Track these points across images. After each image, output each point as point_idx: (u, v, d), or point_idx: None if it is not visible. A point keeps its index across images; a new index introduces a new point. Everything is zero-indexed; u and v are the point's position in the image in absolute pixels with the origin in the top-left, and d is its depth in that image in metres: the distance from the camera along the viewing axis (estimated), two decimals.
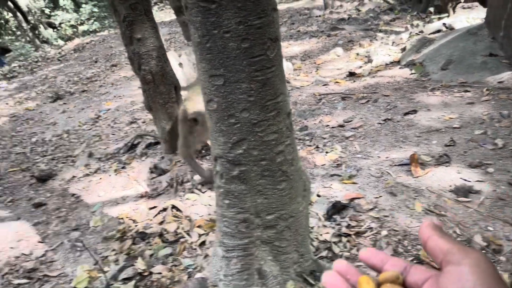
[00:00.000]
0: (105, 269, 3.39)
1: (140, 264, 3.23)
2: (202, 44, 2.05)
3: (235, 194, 2.33)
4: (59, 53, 18.20)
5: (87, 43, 18.50)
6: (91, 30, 25.69)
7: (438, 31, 7.15)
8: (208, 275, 2.76)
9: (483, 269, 0.60)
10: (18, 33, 27.44)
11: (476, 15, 7.70)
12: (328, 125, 5.01)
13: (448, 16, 8.67)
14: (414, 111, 4.85)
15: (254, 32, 1.99)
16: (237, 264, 2.37)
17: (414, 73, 6.01)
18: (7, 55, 21.62)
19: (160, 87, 4.42)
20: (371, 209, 3.44)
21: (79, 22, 27.45)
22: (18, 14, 23.25)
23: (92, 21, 27.01)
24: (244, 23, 1.96)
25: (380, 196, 3.58)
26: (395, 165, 3.97)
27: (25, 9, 24.04)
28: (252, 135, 2.21)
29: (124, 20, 4.04)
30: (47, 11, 27.03)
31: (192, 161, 4.03)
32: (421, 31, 7.60)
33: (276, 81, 2.16)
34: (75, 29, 27.18)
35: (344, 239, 3.16)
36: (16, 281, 3.45)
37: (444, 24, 7.34)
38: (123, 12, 4.01)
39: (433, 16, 9.32)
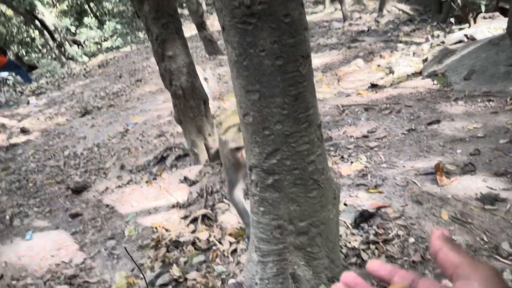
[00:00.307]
0: (141, 275, 3.57)
1: (175, 271, 3.38)
2: (239, 63, 2.21)
3: (270, 202, 2.47)
4: (84, 69, 18.82)
5: (110, 59, 19.09)
6: (114, 46, 26.37)
7: (460, 41, 7.21)
8: (242, 280, 2.89)
9: (493, 284, 0.61)
10: (44, 50, 28.39)
11: (497, 25, 7.73)
12: (352, 136, 5.11)
13: (469, 27, 8.70)
14: (438, 121, 4.92)
15: (287, 50, 2.14)
16: (273, 268, 2.50)
17: (437, 84, 6.08)
18: (33, 72, 22.43)
19: (190, 102, 4.62)
20: (398, 217, 3.52)
21: (102, 39, 28.22)
22: (45, 32, 24.10)
23: (115, 37, 27.76)
24: (278, 42, 2.11)
25: (406, 205, 3.66)
26: (420, 174, 4.04)
27: (51, 27, 24.88)
28: (285, 146, 2.34)
29: (157, 39, 4.27)
30: (72, 29, 27.93)
31: (238, 205, 3.40)
32: (442, 42, 7.66)
33: (308, 95, 2.30)
34: (99, 46, 27.96)
35: (372, 246, 3.24)
36: (58, 287, 3.66)
37: (465, 35, 7.39)
38: (156, 31, 4.24)
39: (453, 27, 9.36)
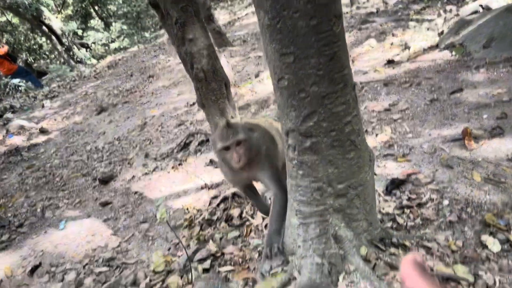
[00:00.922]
0: (179, 253, 3.63)
1: (212, 246, 3.43)
2: (272, 26, 2.24)
3: (308, 165, 2.50)
4: (94, 71, 18.97)
5: (119, 60, 19.21)
6: (121, 47, 26.55)
7: (475, 12, 7.13)
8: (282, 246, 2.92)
9: None
10: (53, 56, 28.66)
11: None
12: (374, 110, 5.11)
13: None
14: (460, 90, 4.89)
15: (321, 10, 2.15)
16: (316, 229, 2.53)
17: (455, 54, 6.03)
18: (43, 78, 22.69)
19: (211, 84, 4.64)
20: (430, 182, 3.52)
21: (110, 40, 28.43)
22: (53, 37, 24.32)
23: (122, 38, 27.93)
24: (312, 2, 2.12)
25: (437, 170, 3.66)
26: (448, 141, 4.04)
27: (58, 32, 25.09)
28: (321, 107, 2.37)
29: (176, 22, 4.29)
30: (79, 32, 28.14)
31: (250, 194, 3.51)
32: (457, 14, 7.58)
33: (342, 55, 2.31)
34: (106, 47, 28.17)
35: (406, 211, 3.26)
36: (97, 269, 3.73)
37: (480, 5, 7.30)
38: (175, 15, 4.26)
39: None
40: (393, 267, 2.62)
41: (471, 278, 2.46)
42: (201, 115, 7.15)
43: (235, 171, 2.87)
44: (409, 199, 3.41)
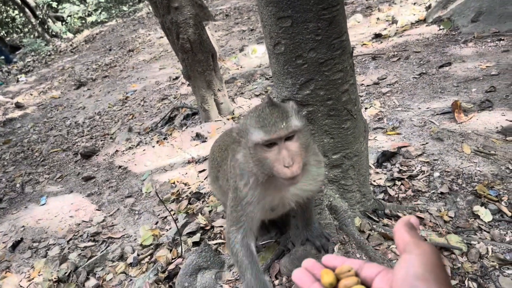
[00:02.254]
0: (167, 227, 3.56)
1: (201, 220, 3.37)
2: None
3: None
4: (71, 45, 18.37)
5: (97, 34, 18.62)
6: (99, 20, 25.70)
7: None
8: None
9: (428, 258, 0.76)
10: (26, 30, 27.55)
11: None
12: (362, 84, 5.06)
13: None
14: (449, 64, 4.87)
15: None
16: None
17: (443, 28, 6.00)
18: (17, 52, 21.85)
19: (198, 55, 4.50)
20: (420, 155, 3.51)
21: (86, 14, 27.47)
22: (27, 10, 23.33)
23: (99, 11, 27.02)
24: None
25: (427, 143, 3.65)
26: (437, 114, 4.02)
27: (32, 4, 24.07)
28: (319, 75, 2.28)
29: None
30: (54, 4, 27.06)
31: None
32: None
33: (341, 20, 2.22)
34: (83, 21, 27.22)
35: (398, 183, 3.25)
36: (82, 244, 3.64)
37: None
38: None
39: None
40: (387, 238, 2.61)
41: (464, 247, 2.46)
42: (185, 89, 6.99)
43: (282, 185, 1.79)
44: (400, 171, 3.39)
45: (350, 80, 2.41)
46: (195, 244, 3.10)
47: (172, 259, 3.01)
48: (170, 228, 3.46)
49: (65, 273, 3.23)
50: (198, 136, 4.81)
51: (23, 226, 4.17)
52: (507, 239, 2.55)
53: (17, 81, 13.61)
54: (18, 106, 9.60)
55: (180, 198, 3.85)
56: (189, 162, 4.43)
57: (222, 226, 3.26)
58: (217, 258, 2.70)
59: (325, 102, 2.38)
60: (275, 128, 1.60)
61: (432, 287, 0.73)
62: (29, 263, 3.60)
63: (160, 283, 2.76)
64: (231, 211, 2.02)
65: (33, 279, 3.32)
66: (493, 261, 2.38)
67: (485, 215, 2.75)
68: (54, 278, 3.19)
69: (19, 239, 3.96)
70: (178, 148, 4.76)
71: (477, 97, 4.09)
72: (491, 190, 2.95)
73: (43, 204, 4.52)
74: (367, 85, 5.00)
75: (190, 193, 3.86)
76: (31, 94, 10.88)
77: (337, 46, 2.24)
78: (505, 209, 2.77)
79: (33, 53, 19.43)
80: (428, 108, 4.17)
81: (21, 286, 3.26)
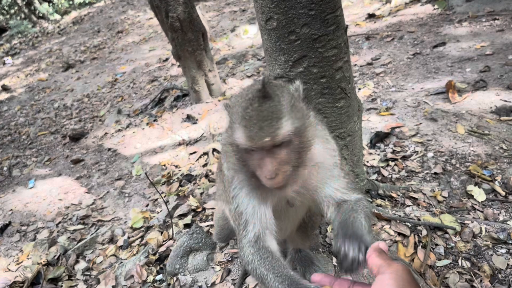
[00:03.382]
0: (157, 210, 3.50)
1: (192, 202, 3.31)
2: None
3: None
4: (58, 27, 17.97)
5: (85, 15, 18.21)
6: (87, 1, 25.12)
7: None
8: None
9: (399, 275, 0.84)
10: (12, 11, 26.88)
11: None
12: (356, 65, 4.99)
13: None
14: (443, 44, 4.81)
15: None
16: None
17: (437, 8, 5.92)
18: (3, 34, 21.33)
19: (188, 34, 4.39)
20: (414, 135, 3.48)
21: None
22: None
23: None
24: None
25: (420, 123, 3.61)
26: (431, 94, 3.98)
27: None
28: (312, 51, 2.21)
29: None
30: None
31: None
32: None
33: None
34: (70, 2, 26.61)
35: (391, 163, 3.21)
36: (72, 227, 3.57)
37: None
38: None
39: None
40: (381, 218, 2.58)
41: (457, 227, 2.45)
42: (175, 70, 6.86)
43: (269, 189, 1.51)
44: (393, 152, 3.36)
45: (344, 57, 2.35)
46: (186, 226, 3.05)
47: (163, 241, 2.97)
48: (161, 211, 3.41)
49: (54, 256, 3.18)
50: (188, 117, 4.73)
51: (11, 210, 4.10)
52: (501, 218, 2.53)
53: (4, 63, 13.33)
54: (5, 89, 9.39)
55: (171, 181, 3.79)
56: (179, 144, 4.36)
57: (213, 208, 3.22)
58: (208, 239, 2.66)
59: (318, 80, 2.32)
60: (259, 135, 1.30)
61: None
62: (18, 246, 3.54)
63: (151, 265, 2.72)
64: (233, 222, 1.74)
65: (21, 262, 3.26)
66: (486, 240, 2.37)
67: (479, 194, 2.73)
68: (43, 262, 3.14)
69: (7, 222, 3.89)
70: (168, 130, 4.68)
71: (471, 77, 4.05)
72: (484, 170, 2.93)
73: (31, 187, 4.44)
74: (361, 66, 4.93)
75: (181, 175, 3.80)
76: (18, 77, 10.66)
77: (331, 21, 2.17)
78: (498, 189, 2.76)
79: (19, 35, 19.01)
80: (422, 88, 4.12)
81: (9, 270, 3.20)
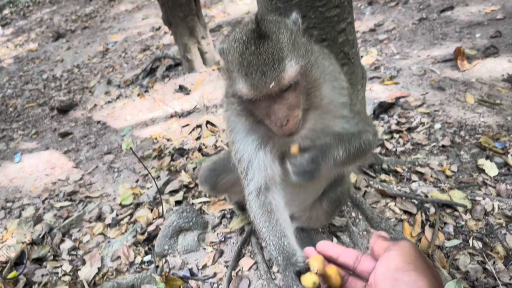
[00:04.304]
0: (148, 185, 3.32)
1: (184, 177, 3.12)
2: None
3: None
4: None
5: None
6: None
7: None
8: None
9: (407, 251, 0.82)
10: None
11: None
12: (358, 31, 4.71)
13: None
14: (451, 8, 4.53)
15: None
16: None
17: None
18: None
19: None
20: (420, 105, 3.27)
21: None
22: None
23: None
24: None
25: (427, 93, 3.39)
26: (438, 62, 3.75)
27: None
28: (312, 11, 1.98)
29: None
30: None
31: None
32: None
33: None
34: None
35: (396, 135, 3.01)
36: (58, 204, 3.39)
37: None
38: None
39: None
40: (385, 195, 2.40)
41: (468, 204, 2.27)
42: (168, 39, 6.55)
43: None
44: (398, 123, 3.15)
45: (347, 18, 2.11)
46: (178, 203, 2.87)
47: (153, 219, 2.79)
48: (151, 187, 3.22)
49: (39, 235, 3.01)
50: (181, 88, 4.49)
51: None
52: None
53: None
54: None
55: (162, 155, 3.60)
56: (172, 116, 4.14)
57: None
58: (200, 218, 2.49)
59: (319, 44, 2.08)
60: (263, 82, 1.16)
61: (413, 276, 0.77)
62: (2, 224, 3.37)
63: (139, 245, 2.55)
64: (240, 173, 1.58)
65: (5, 241, 3.10)
66: (499, 218, 2.19)
67: (491, 169, 2.54)
68: (28, 240, 2.97)
69: None
70: (160, 102, 4.45)
71: (481, 43, 3.80)
72: (496, 142, 2.73)
73: (17, 162, 4.24)
74: (363, 32, 4.66)
75: (173, 149, 3.60)
76: (7, 47, 10.29)
77: None
78: None
79: (11, 5, 18.42)
80: (428, 55, 3.88)
81: None
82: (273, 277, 2.01)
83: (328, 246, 1.01)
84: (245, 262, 2.14)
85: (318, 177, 1.40)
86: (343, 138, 1.45)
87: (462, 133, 2.88)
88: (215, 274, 2.14)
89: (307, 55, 1.25)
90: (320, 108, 1.38)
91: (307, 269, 1.02)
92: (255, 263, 2.12)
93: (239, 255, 2.21)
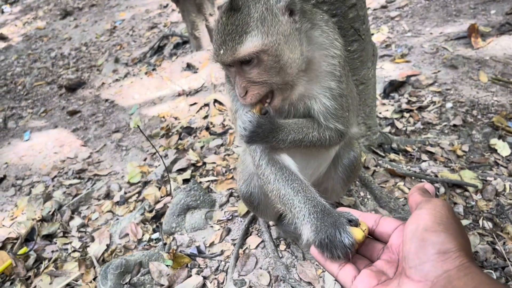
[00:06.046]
0: (156, 164, 3.32)
1: (192, 156, 3.12)
2: None
3: None
4: None
5: None
6: None
7: None
8: None
9: (438, 211, 0.79)
10: None
11: None
12: (369, 8, 4.60)
13: None
14: None
15: None
16: None
17: None
18: None
19: None
20: (431, 84, 3.20)
21: None
22: None
23: None
24: None
25: (439, 71, 3.32)
26: (451, 39, 3.65)
27: None
28: None
29: None
30: None
31: None
32: None
33: None
34: None
35: (406, 115, 2.96)
36: (67, 182, 3.42)
37: None
38: None
39: None
40: (394, 174, 2.37)
41: (479, 184, 2.23)
42: (176, 16, 6.47)
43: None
44: (408, 102, 3.10)
45: None
46: (185, 181, 2.88)
47: (161, 197, 2.81)
48: (159, 165, 3.23)
49: (49, 212, 3.04)
50: (189, 66, 4.45)
51: (6, 163, 3.95)
52: None
53: (2, 12, 12.86)
54: (2, 38, 9.04)
55: (170, 133, 3.59)
56: (179, 95, 4.11)
57: (214, 163, 3.03)
58: (207, 196, 2.49)
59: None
60: (221, 50, 1.24)
61: (442, 237, 0.75)
62: (13, 201, 3.41)
63: (147, 223, 2.57)
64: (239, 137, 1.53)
65: (16, 218, 3.15)
66: (510, 199, 2.16)
67: (503, 148, 2.50)
68: (38, 217, 3.01)
69: (2, 176, 3.75)
70: (167, 80, 4.42)
71: (496, 19, 3.69)
72: (509, 121, 2.67)
73: (26, 140, 4.27)
74: (374, 9, 4.55)
75: (180, 127, 3.59)
76: (16, 25, 10.26)
77: None
78: None
79: None
80: (441, 33, 3.78)
81: (3, 225, 3.08)
82: (280, 255, 2.02)
83: (346, 210, 1.09)
84: (252, 240, 2.14)
85: (255, 145, 1.42)
86: (303, 128, 1.44)
87: (475, 112, 2.82)
88: (222, 252, 2.15)
89: (277, 34, 1.24)
90: (305, 77, 1.38)
91: (357, 224, 1.03)
92: (262, 241, 2.12)
93: (246, 233, 2.21)
